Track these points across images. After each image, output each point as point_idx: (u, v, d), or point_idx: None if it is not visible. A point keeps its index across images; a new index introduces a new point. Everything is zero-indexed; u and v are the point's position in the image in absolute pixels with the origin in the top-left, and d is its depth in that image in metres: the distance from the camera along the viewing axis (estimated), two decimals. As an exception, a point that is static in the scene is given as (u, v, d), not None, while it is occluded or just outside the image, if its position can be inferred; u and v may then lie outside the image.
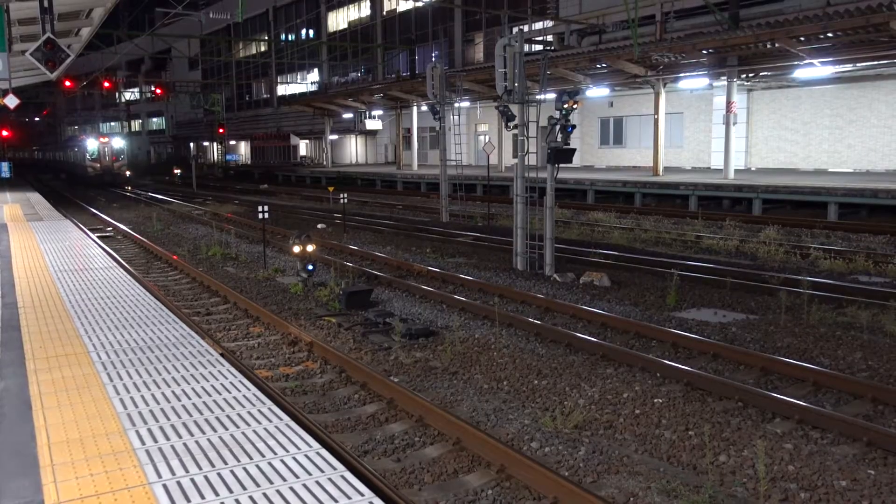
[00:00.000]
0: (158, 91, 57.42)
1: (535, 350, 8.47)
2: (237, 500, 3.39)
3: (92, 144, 44.41)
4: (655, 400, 6.83)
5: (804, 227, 17.56)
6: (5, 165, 39.75)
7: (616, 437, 6.13)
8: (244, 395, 4.79)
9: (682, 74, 25.69)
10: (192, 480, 3.58)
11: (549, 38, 34.68)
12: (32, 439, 4.08)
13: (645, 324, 9.23)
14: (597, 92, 29.99)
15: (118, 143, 45.81)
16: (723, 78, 24.38)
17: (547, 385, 7.34)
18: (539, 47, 34.58)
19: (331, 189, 26.03)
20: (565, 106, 12.51)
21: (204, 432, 4.17)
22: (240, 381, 5.06)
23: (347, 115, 46.98)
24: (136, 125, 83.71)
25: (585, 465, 5.59)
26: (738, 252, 14.87)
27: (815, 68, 22.29)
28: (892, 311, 9.25)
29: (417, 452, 5.87)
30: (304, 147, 56.29)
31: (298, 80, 58.20)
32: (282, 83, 59.77)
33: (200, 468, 3.70)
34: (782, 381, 7.37)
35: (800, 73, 23.86)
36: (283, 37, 57.92)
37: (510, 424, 6.42)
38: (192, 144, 65.98)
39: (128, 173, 45.49)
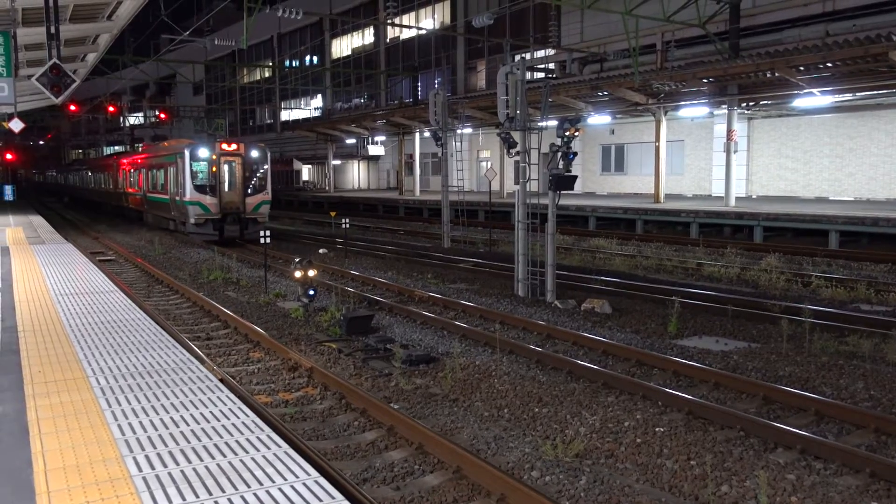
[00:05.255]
0: (163, 116, 57.84)
1: (536, 377, 8.43)
2: (234, 529, 3.35)
3: (202, 154, 22.54)
4: (657, 429, 6.78)
5: (805, 255, 17.55)
6: (9, 189, 39.90)
7: (617, 466, 6.08)
8: (243, 422, 4.76)
9: (682, 103, 25.86)
10: (189, 508, 3.55)
11: (551, 65, 34.94)
12: (29, 465, 4.05)
13: (646, 351, 9.20)
14: (598, 119, 30.17)
15: (255, 153, 23.39)
16: (723, 106, 24.55)
17: (548, 413, 7.29)
18: (541, 75, 34.85)
19: (333, 214, 26.10)
20: (567, 133, 12.58)
21: (202, 459, 4.14)
22: (239, 408, 5.04)
23: (350, 141, 47.24)
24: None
25: (586, 494, 5.54)
26: (739, 280, 14.85)
27: (815, 97, 22.43)
28: (894, 341, 9.20)
29: (417, 481, 5.81)
30: (306, 172, 56.55)
31: (302, 106, 58.62)
32: (285, 108, 60.21)
33: (198, 496, 3.67)
34: (784, 410, 7.32)
35: (800, 102, 24.02)
36: (287, 63, 58.46)
37: (511, 453, 6.37)
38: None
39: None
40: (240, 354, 9.68)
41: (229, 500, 3.64)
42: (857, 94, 22.64)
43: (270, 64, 58.64)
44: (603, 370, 8.38)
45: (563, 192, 13.13)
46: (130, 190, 31.36)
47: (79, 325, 7.75)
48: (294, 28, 56.25)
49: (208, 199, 22.28)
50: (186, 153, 22.37)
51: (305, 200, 45.31)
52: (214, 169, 22.46)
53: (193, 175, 22.36)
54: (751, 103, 25.03)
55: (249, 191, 22.95)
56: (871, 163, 25.44)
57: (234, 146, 22.85)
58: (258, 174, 23.47)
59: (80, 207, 47.13)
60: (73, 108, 37.10)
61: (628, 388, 7.90)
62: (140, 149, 36.13)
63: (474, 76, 42.53)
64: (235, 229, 22.65)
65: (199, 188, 22.34)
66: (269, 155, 24.02)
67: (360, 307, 12.45)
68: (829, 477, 5.76)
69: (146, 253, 21.09)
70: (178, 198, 23.14)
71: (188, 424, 4.70)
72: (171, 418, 4.82)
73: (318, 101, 57.17)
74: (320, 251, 20.92)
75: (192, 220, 22.28)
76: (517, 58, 14.14)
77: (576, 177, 13.42)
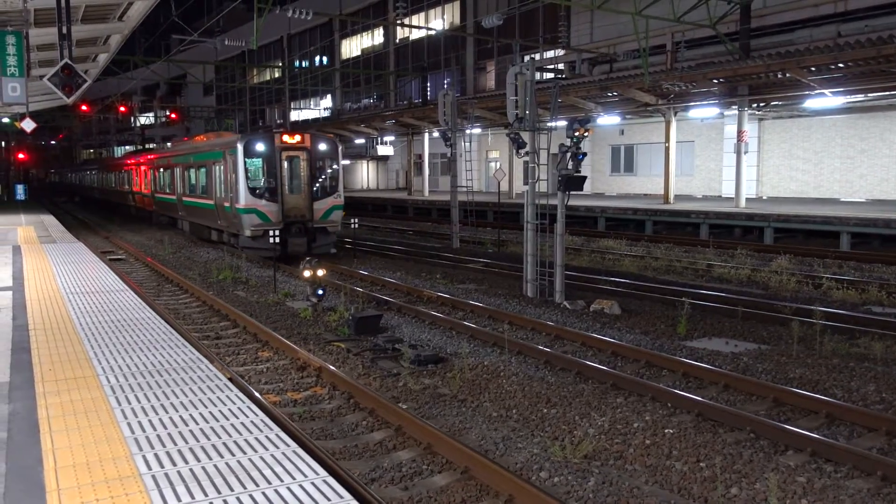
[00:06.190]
0: (173, 116, 58.05)
1: (545, 378, 8.41)
2: (243, 528, 3.35)
3: (259, 149, 17.90)
4: (666, 430, 6.75)
5: (816, 257, 17.45)
6: (21, 188, 40.14)
7: (626, 467, 6.06)
8: (252, 421, 4.76)
9: (692, 103, 25.76)
10: (198, 507, 3.56)
11: (561, 66, 34.92)
12: (39, 463, 4.07)
13: (655, 353, 9.16)
14: (608, 120, 30.10)
15: (324, 146, 18.75)
16: (734, 107, 24.45)
17: (556, 414, 7.27)
18: (550, 75, 34.86)
19: (342, 214, 26.10)
20: (576, 133, 12.57)
21: (211, 458, 4.15)
22: (248, 407, 5.05)
23: (359, 141, 47.33)
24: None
25: (595, 496, 5.52)
26: (749, 281, 14.78)
27: (827, 98, 22.31)
28: (906, 343, 9.14)
29: (425, 481, 5.81)
30: (316, 172, 56.62)
31: (311, 106, 58.80)
32: (295, 109, 60.33)
33: (206, 495, 3.68)
34: (795, 412, 7.28)
35: (811, 103, 23.90)
36: (296, 63, 58.60)
37: (519, 453, 6.35)
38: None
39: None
40: (248, 354, 9.70)
41: (238, 498, 3.64)
42: (869, 94, 22.51)
43: (280, 64, 58.78)
44: (612, 371, 8.36)
45: (572, 192, 13.10)
46: (160, 193, 27.34)
47: (89, 323, 7.78)
48: (304, 29, 56.39)
49: (266, 205, 17.59)
50: (240, 147, 17.66)
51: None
52: (265, 156, 17.94)
53: (248, 175, 17.77)
54: (761, 104, 24.90)
55: (318, 193, 18.42)
56: (882, 164, 25.28)
57: (297, 138, 18.02)
58: (327, 172, 18.88)
59: (92, 207, 47.34)
60: (84, 108, 37.27)
61: (637, 389, 7.88)
62: (171, 144, 31.61)
63: (484, 77, 42.50)
64: (302, 242, 17.66)
65: (255, 191, 17.67)
66: (339, 148, 19.31)
67: (369, 307, 12.45)
68: (840, 480, 5.72)
69: (156, 252, 21.18)
70: (227, 204, 18.65)
71: (197, 423, 4.72)
72: (181, 417, 4.83)
73: (327, 102, 57.30)
74: (329, 251, 20.93)
75: (247, 233, 17.64)
76: (527, 58, 14.12)
77: (585, 177, 13.39)
